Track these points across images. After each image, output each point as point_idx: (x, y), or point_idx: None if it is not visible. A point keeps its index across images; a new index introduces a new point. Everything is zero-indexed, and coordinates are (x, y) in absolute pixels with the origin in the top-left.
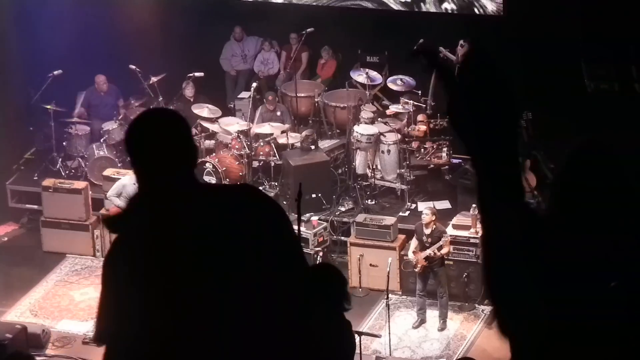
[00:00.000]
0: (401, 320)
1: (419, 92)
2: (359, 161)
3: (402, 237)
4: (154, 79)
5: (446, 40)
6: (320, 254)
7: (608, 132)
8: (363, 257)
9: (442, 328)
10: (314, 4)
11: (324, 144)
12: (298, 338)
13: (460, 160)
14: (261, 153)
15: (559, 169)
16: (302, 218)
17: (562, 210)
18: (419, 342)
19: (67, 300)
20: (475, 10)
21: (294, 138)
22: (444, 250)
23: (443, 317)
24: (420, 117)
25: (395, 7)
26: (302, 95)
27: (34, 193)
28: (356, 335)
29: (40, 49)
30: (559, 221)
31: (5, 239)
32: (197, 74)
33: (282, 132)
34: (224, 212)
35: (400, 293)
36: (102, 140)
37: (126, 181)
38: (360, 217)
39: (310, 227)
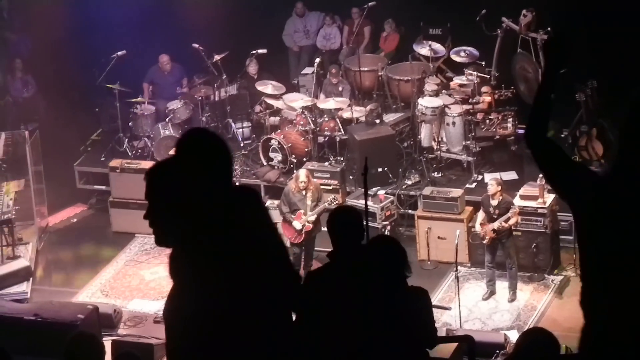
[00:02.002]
0: (471, 292)
1: (483, 63)
2: (424, 134)
3: (469, 209)
4: (217, 57)
5: (508, 10)
6: (388, 227)
7: None
8: (431, 230)
9: (512, 299)
10: None
11: (389, 117)
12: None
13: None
14: (326, 128)
15: (622, 120)
16: (369, 192)
17: (626, 160)
18: (489, 314)
19: (138, 279)
20: None
21: (359, 112)
22: (512, 222)
23: (513, 288)
24: (484, 88)
25: None
26: (366, 69)
27: (102, 174)
28: None
29: (103, 30)
30: (622, 172)
31: (75, 220)
32: (260, 51)
33: (347, 106)
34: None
35: (469, 265)
36: (167, 119)
37: None
38: (427, 190)
39: (377, 201)
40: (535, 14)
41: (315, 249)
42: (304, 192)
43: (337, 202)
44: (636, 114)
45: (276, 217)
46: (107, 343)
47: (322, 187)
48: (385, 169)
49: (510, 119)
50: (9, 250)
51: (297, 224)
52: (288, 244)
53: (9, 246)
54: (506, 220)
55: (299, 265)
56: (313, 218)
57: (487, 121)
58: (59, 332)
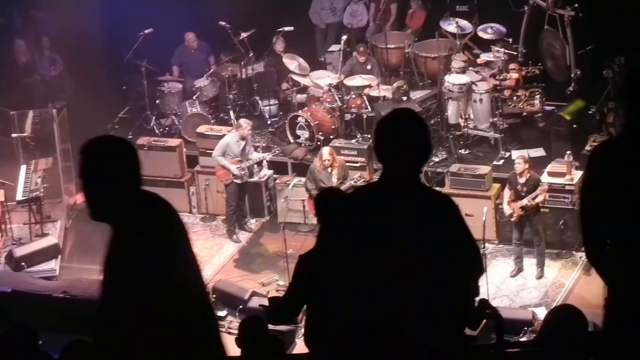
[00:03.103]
0: (498, 269)
1: (510, 39)
2: (451, 111)
3: (496, 186)
4: (244, 35)
5: None
6: None
7: None
8: (458, 207)
9: (540, 276)
10: None
11: (416, 94)
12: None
13: (553, 107)
14: (353, 105)
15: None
16: None
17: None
18: (517, 291)
19: None
20: None
21: (386, 90)
22: (540, 199)
23: (540, 265)
24: (511, 65)
25: None
26: (392, 46)
27: None
28: None
29: (130, 8)
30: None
31: None
32: (286, 29)
33: (375, 84)
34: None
35: (496, 242)
36: (194, 97)
37: (229, 139)
38: (454, 167)
39: None
40: None
41: None
42: (329, 170)
43: (363, 179)
44: (635, 77)
45: (302, 194)
46: None
47: (348, 164)
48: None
49: (537, 96)
50: (38, 228)
51: None
52: (314, 221)
53: (37, 224)
54: (534, 198)
55: None
56: None
57: (515, 98)
58: (87, 309)
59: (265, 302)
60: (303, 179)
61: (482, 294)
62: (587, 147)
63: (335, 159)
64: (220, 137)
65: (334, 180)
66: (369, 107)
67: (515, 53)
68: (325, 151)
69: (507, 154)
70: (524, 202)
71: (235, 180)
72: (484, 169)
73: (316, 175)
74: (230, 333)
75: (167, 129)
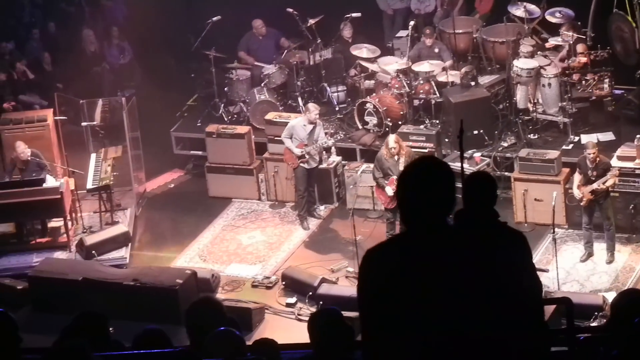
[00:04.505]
0: (568, 254)
1: (579, 23)
2: (520, 96)
3: (566, 170)
4: (311, 21)
5: None
6: None
7: None
8: (527, 192)
9: (610, 260)
10: None
11: (484, 79)
12: None
13: (622, 91)
14: (421, 91)
15: None
16: (465, 155)
17: None
18: (587, 276)
19: (235, 244)
20: None
21: (454, 75)
22: (610, 183)
23: (611, 250)
24: (580, 49)
25: None
26: (460, 31)
27: (198, 139)
28: None
29: None
30: None
31: (172, 185)
32: (354, 15)
33: (442, 69)
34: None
35: (566, 227)
36: (262, 84)
37: (295, 123)
38: (523, 152)
39: (474, 164)
40: None
41: None
42: (396, 158)
43: None
44: None
45: (371, 180)
46: None
47: (417, 150)
48: (481, 131)
49: (606, 80)
50: (108, 216)
51: (389, 190)
52: (382, 208)
53: (107, 212)
54: (604, 182)
55: (393, 230)
56: None
57: (583, 82)
58: (158, 296)
59: (335, 289)
60: (371, 165)
61: (553, 279)
62: None
63: (401, 147)
64: None
65: (401, 168)
66: (437, 92)
67: (584, 37)
68: (391, 139)
69: (577, 139)
70: (594, 185)
71: (302, 165)
72: (553, 154)
73: (383, 164)
74: (300, 320)
75: (235, 116)
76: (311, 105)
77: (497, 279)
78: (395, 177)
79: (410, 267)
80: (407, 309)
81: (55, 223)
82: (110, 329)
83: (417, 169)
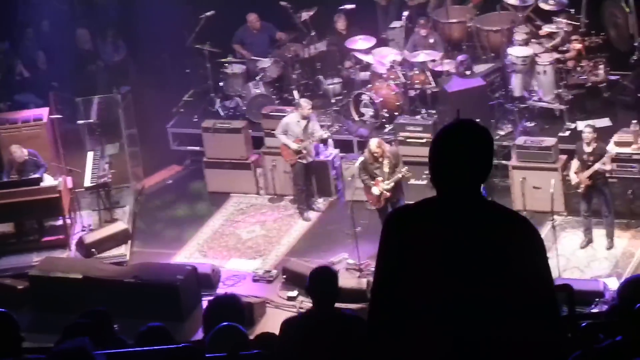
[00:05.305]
0: (568, 241)
1: (572, 10)
2: (516, 83)
3: (563, 157)
4: (305, 15)
5: None
6: None
7: None
8: (525, 180)
9: (610, 247)
10: None
11: (479, 68)
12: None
13: (618, 77)
14: (417, 81)
15: None
16: None
17: None
18: (587, 262)
19: (235, 239)
20: None
21: (449, 64)
22: (607, 167)
23: (610, 236)
24: (574, 36)
25: None
26: (454, 21)
27: (195, 135)
28: None
29: None
30: None
31: (170, 181)
32: (348, 7)
33: (439, 58)
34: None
35: (565, 214)
36: (258, 78)
37: (288, 119)
38: (520, 140)
39: None
40: None
41: None
42: (380, 160)
43: (410, 173)
44: None
45: (358, 182)
46: (205, 303)
47: (414, 140)
48: (478, 120)
49: (601, 66)
50: (107, 213)
51: (375, 190)
52: (371, 208)
53: (106, 210)
54: (603, 163)
55: None
56: (389, 186)
57: (579, 69)
58: (158, 293)
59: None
60: None
61: (553, 266)
62: None
63: (384, 150)
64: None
65: (386, 170)
66: (432, 82)
67: (578, 23)
68: (373, 143)
69: (573, 125)
70: (596, 167)
71: (300, 160)
72: (550, 141)
73: (368, 167)
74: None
75: (231, 110)
76: (303, 101)
77: (521, 267)
78: (380, 179)
79: (437, 233)
80: (426, 275)
81: (54, 222)
82: (115, 325)
83: (461, 130)
